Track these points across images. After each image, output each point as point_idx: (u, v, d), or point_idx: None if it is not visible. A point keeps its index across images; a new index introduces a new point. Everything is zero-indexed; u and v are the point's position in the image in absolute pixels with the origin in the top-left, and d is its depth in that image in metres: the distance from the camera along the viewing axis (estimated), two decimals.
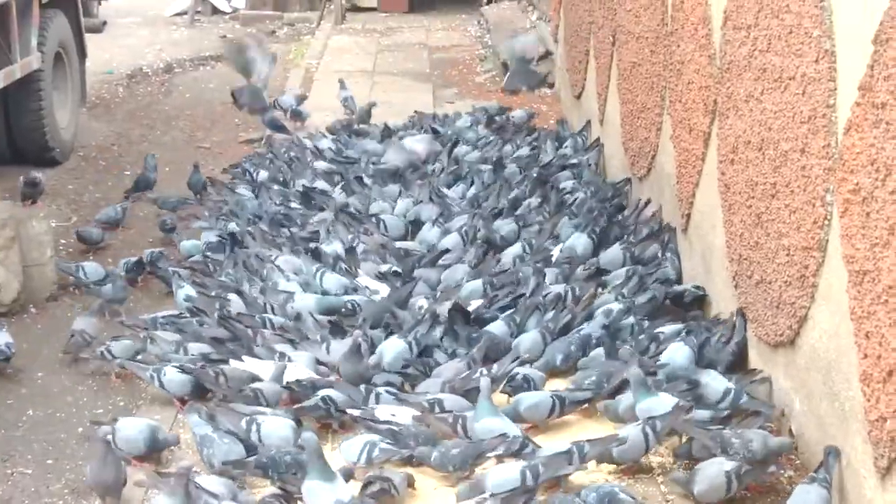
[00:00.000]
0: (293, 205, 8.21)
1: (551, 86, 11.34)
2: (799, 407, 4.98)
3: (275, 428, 5.11)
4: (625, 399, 5.24)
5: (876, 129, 4.05)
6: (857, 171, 4.20)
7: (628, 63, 7.84)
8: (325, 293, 6.63)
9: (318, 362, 5.87)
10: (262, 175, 8.83)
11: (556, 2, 11.19)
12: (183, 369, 5.63)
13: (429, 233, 7.57)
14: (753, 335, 5.45)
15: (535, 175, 8.48)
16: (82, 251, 7.91)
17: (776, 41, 5.02)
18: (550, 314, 6.20)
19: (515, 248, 7.22)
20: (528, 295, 6.41)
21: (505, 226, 7.56)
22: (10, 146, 9.62)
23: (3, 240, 6.83)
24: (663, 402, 5.00)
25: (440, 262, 7.09)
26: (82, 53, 10.53)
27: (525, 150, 9.30)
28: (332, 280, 6.74)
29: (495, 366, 5.67)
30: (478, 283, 6.66)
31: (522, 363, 5.72)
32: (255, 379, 5.60)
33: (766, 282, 5.21)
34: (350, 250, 7.17)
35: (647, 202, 7.43)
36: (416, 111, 10.79)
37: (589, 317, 6.16)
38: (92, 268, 7.15)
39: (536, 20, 13.69)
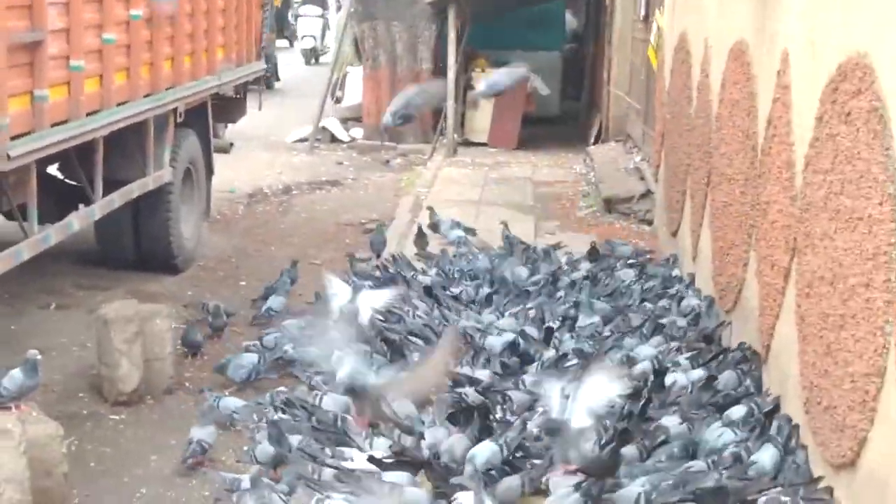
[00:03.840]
0: None
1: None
2: None
3: None
4: None
5: None
6: None
7: (720, 203, 8.28)
8: None
9: None
10: None
11: (658, 145, 11.70)
12: None
13: None
14: (820, 458, 5.76)
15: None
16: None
17: (848, 185, 5.44)
18: None
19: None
20: None
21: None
22: (137, 251, 10.22)
23: (129, 334, 7.38)
24: None
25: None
26: (209, 171, 11.23)
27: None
28: None
29: None
30: None
31: None
32: None
33: (833, 407, 5.54)
34: None
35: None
36: (506, 236, 10.86)
37: None
38: None
39: (640, 161, 14.19)
